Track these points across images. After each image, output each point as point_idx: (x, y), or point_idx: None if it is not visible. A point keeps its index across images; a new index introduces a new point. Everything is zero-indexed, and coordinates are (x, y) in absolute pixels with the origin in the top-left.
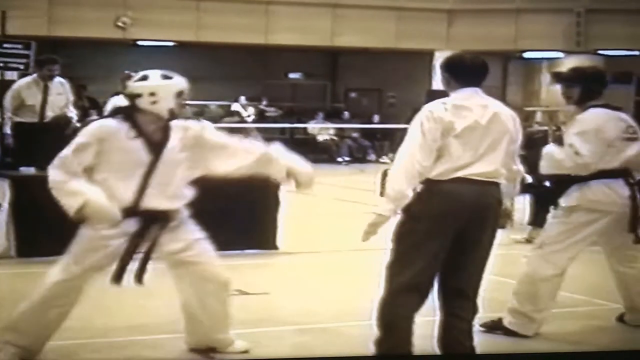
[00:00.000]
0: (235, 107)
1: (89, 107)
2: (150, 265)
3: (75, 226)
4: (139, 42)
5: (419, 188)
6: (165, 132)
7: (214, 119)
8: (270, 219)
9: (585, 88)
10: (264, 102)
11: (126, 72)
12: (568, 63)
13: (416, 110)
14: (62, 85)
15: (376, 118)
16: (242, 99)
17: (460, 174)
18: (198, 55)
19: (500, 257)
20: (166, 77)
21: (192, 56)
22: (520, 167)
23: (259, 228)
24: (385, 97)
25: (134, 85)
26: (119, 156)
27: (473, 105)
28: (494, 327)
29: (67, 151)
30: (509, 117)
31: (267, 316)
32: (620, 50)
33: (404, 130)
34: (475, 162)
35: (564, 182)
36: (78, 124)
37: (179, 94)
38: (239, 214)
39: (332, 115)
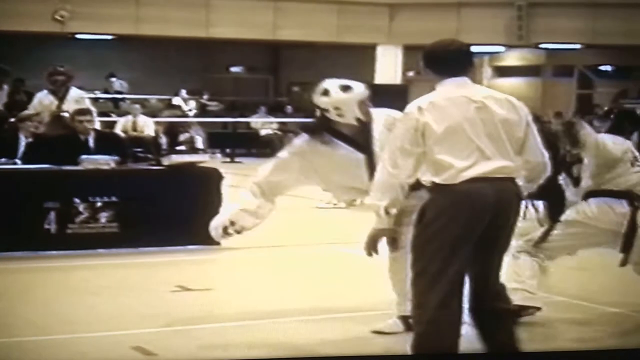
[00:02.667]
0: (176, 101)
1: (27, 101)
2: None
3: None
4: (78, 36)
5: (431, 191)
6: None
7: (154, 113)
8: (211, 213)
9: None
10: (206, 96)
11: (52, 66)
12: (510, 57)
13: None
14: None
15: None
16: (183, 92)
17: (467, 174)
18: (138, 49)
19: None
20: (345, 89)
21: (131, 50)
22: (541, 158)
23: (200, 223)
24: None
25: (318, 100)
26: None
27: (456, 99)
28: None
29: None
30: (505, 104)
31: (210, 313)
32: (562, 44)
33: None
34: (479, 160)
35: None
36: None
37: (361, 103)
38: (180, 209)
39: (275, 110)
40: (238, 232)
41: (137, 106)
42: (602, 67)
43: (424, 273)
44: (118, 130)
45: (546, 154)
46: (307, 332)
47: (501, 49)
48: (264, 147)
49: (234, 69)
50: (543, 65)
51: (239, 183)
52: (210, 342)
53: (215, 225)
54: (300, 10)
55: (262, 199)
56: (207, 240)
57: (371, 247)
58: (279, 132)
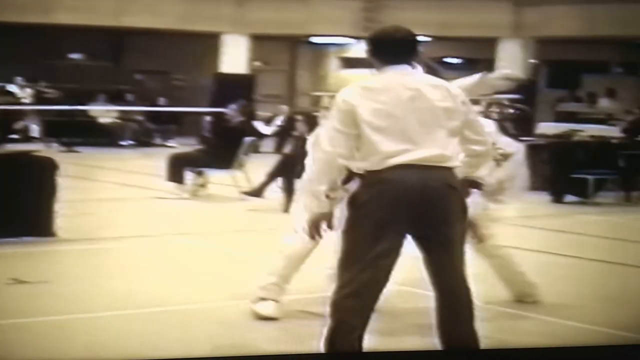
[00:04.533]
0: (10, 88)
1: None
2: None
3: None
4: None
5: (362, 178)
6: None
7: None
8: (46, 204)
9: None
10: (43, 83)
11: None
12: (356, 49)
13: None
14: None
15: (162, 101)
16: (19, 79)
17: (394, 161)
18: None
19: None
20: None
21: None
22: (480, 146)
23: (34, 214)
24: (172, 80)
25: None
26: None
27: (391, 85)
28: None
29: None
30: (442, 92)
31: (46, 305)
32: None
33: (191, 113)
34: (408, 148)
35: None
36: None
37: None
38: (13, 200)
39: (116, 98)
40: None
41: None
42: (449, 59)
43: (349, 257)
44: None
45: (488, 142)
46: (146, 324)
47: (348, 40)
48: (104, 136)
49: (73, 56)
50: None
51: (78, 173)
52: (46, 335)
53: None
54: None
55: None
56: (41, 231)
57: (314, 230)
58: (119, 121)
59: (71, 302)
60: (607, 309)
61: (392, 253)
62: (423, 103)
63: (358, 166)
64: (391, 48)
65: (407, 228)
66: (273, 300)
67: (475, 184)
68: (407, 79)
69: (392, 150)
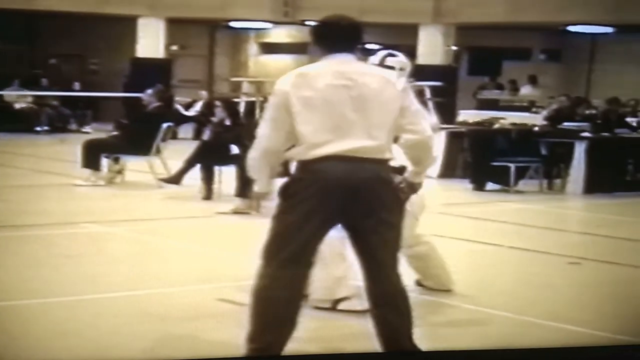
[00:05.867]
0: None
1: None
2: None
3: None
4: None
5: (294, 168)
6: None
7: None
8: None
9: None
10: None
11: None
12: (276, 34)
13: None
14: None
15: (77, 86)
16: None
17: (323, 151)
18: None
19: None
20: None
21: None
22: (420, 136)
23: None
24: (87, 64)
25: None
26: None
27: (326, 74)
28: None
29: None
30: (380, 82)
31: None
32: None
33: (108, 98)
34: (339, 138)
35: None
36: None
37: None
38: None
39: (30, 83)
40: None
41: None
42: (369, 46)
43: (274, 245)
44: None
45: (428, 132)
46: (62, 312)
47: (267, 25)
48: (19, 122)
49: None
50: (310, 43)
51: None
52: None
53: None
54: None
55: None
56: None
57: (255, 208)
58: (34, 106)
59: None
60: (529, 296)
61: (315, 243)
62: (358, 92)
63: (289, 155)
64: (334, 36)
65: (336, 219)
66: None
67: (412, 187)
68: (344, 67)
69: (321, 141)
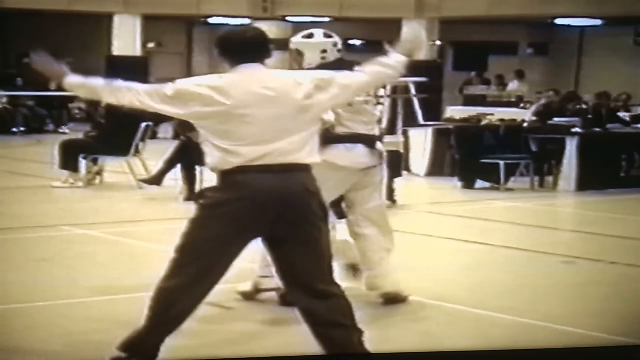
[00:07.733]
0: None
1: None
2: None
3: None
4: None
5: (218, 178)
6: None
7: None
8: None
9: None
10: None
11: None
12: None
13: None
14: None
15: (53, 85)
16: None
17: (243, 161)
18: None
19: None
20: None
21: None
22: (363, 73)
23: None
24: (61, 63)
25: None
26: None
27: (243, 83)
28: None
29: None
30: (294, 85)
31: None
32: (309, 17)
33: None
34: (260, 148)
35: None
36: None
37: None
38: None
39: (4, 83)
40: None
41: None
42: (350, 41)
43: (187, 252)
44: None
45: (361, 77)
46: (34, 318)
47: (246, 21)
48: None
49: None
50: (290, 39)
51: None
52: None
53: None
54: None
55: None
56: None
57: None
58: (9, 107)
59: None
60: (521, 297)
61: (232, 257)
62: (274, 100)
63: (209, 164)
64: (242, 47)
65: (261, 234)
66: None
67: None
68: (258, 76)
69: (242, 151)
